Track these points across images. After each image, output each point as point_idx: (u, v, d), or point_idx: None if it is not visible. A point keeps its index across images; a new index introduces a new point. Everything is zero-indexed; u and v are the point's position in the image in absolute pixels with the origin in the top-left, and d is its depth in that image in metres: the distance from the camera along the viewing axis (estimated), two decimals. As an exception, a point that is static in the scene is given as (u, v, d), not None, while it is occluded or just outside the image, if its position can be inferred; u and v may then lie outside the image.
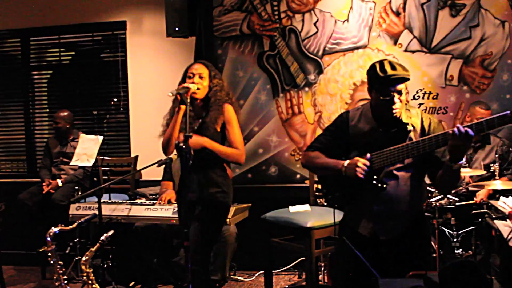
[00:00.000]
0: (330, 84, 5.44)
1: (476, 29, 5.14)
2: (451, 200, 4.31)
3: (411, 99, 5.16)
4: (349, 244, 2.69)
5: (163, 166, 4.62)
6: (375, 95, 2.85)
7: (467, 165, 4.43)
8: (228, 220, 4.06)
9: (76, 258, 5.07)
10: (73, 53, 6.54)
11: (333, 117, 5.16)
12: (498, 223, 3.41)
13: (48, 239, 3.20)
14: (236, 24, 5.62)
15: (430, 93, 5.23)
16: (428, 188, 4.06)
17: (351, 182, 2.86)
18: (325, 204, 4.48)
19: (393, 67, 2.77)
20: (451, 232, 4.36)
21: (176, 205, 4.30)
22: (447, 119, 5.16)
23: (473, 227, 4.35)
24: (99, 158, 5.11)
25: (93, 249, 3.20)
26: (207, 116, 3.55)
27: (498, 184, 4.05)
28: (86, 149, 5.11)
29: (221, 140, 3.57)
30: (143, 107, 6.01)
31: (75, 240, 5.11)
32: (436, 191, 4.30)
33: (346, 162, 2.86)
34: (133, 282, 4.98)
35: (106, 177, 4.87)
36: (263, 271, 4.65)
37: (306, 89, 5.50)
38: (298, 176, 5.52)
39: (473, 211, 4.29)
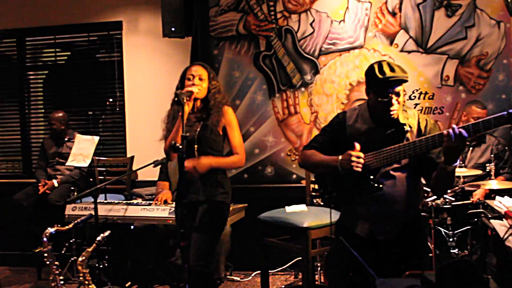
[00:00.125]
0: (326, 84, 5.45)
1: (472, 29, 5.15)
2: (447, 200, 4.32)
3: (407, 99, 5.16)
4: (346, 244, 2.70)
5: (159, 166, 4.64)
6: (373, 96, 2.85)
7: (463, 164, 4.44)
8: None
9: (72, 259, 5.05)
10: (69, 53, 6.53)
11: (329, 117, 5.19)
12: (494, 223, 3.41)
13: (45, 239, 3.19)
14: (232, 25, 5.62)
15: (426, 93, 5.24)
16: (424, 188, 4.06)
17: (348, 182, 2.87)
18: (322, 204, 4.48)
19: (391, 69, 2.77)
20: (447, 232, 4.37)
21: (172, 205, 4.30)
22: (443, 119, 5.17)
23: (469, 227, 4.36)
24: (95, 159, 5.11)
25: (89, 250, 3.19)
26: (208, 119, 3.57)
27: (494, 183, 4.06)
28: (82, 150, 5.10)
29: (222, 142, 3.65)
30: (139, 108, 6.01)
31: (71, 241, 5.10)
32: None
33: (340, 157, 2.87)
34: (129, 283, 4.96)
35: (102, 177, 4.86)
36: (259, 271, 4.65)
37: (302, 89, 5.51)
38: (294, 176, 5.53)
39: (469, 211, 4.31)
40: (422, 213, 4.07)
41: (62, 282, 3.23)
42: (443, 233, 4.38)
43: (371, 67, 2.85)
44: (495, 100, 5.11)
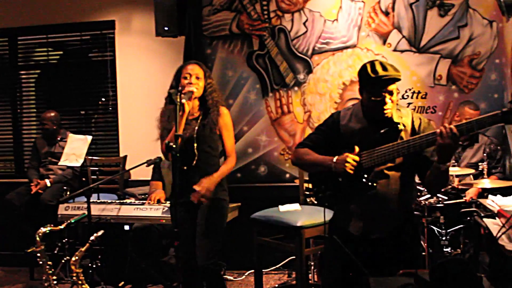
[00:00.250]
0: (319, 83, 5.45)
1: (465, 29, 5.17)
2: (440, 199, 4.33)
3: (400, 99, 5.18)
4: (340, 243, 2.70)
5: (152, 166, 4.63)
6: (366, 95, 2.86)
7: (455, 163, 4.45)
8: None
9: (65, 259, 5.03)
10: (61, 52, 6.50)
11: (322, 116, 5.20)
12: (487, 221, 3.42)
13: (38, 239, 3.18)
14: (225, 24, 5.62)
15: (419, 92, 5.26)
16: (417, 187, 4.07)
17: (342, 181, 2.87)
18: (315, 203, 4.49)
19: (384, 68, 2.77)
20: (440, 230, 4.37)
21: (165, 204, 4.29)
22: (435, 119, 5.18)
23: (461, 226, 4.37)
24: (87, 158, 5.08)
25: (82, 249, 3.19)
26: (206, 119, 3.58)
27: (486, 182, 4.08)
28: (75, 149, 5.08)
29: (219, 141, 3.70)
30: (131, 107, 5.99)
31: (64, 241, 5.07)
32: (425, 190, 4.32)
33: (335, 158, 2.87)
34: (122, 282, 4.95)
35: (95, 177, 4.84)
36: (253, 271, 4.65)
37: (296, 88, 5.51)
38: (287, 175, 5.53)
39: (462, 210, 4.33)
40: (415, 212, 4.08)
41: (55, 282, 3.22)
42: (436, 231, 4.39)
43: (364, 67, 2.85)
44: (487, 99, 5.13)
